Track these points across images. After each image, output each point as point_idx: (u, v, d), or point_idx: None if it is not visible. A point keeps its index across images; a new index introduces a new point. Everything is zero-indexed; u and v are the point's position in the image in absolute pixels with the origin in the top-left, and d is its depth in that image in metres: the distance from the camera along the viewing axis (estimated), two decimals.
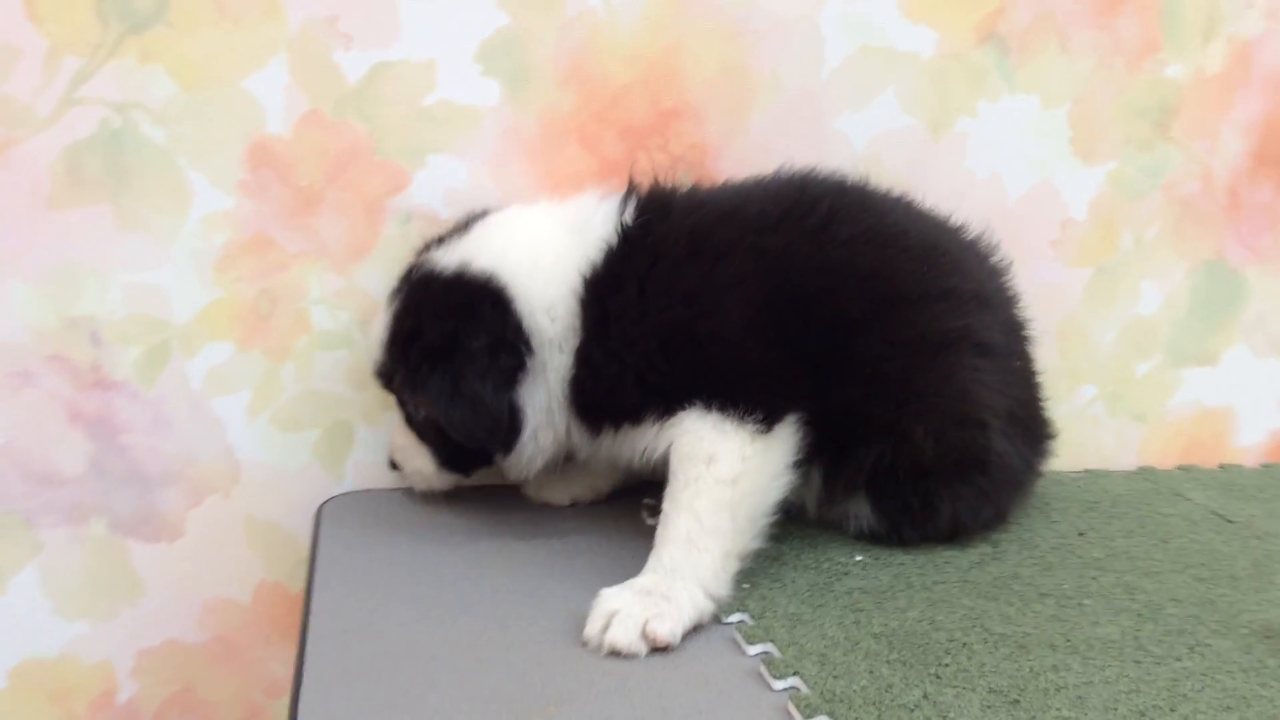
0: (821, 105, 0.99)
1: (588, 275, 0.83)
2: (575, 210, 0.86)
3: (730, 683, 0.69)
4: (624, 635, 0.72)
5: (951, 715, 0.65)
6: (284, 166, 0.93)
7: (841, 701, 0.66)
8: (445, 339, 0.82)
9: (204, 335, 0.94)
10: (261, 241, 0.94)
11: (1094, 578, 0.83)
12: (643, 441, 0.81)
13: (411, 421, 0.89)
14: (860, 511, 0.86)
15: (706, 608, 0.75)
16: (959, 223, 0.91)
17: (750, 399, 0.78)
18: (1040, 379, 0.93)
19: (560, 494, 0.95)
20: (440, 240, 0.88)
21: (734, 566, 0.78)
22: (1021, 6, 1.01)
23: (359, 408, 0.98)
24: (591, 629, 0.73)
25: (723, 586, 0.76)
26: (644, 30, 0.95)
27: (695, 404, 0.79)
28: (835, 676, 0.68)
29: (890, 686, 0.67)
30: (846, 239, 0.83)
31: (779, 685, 0.68)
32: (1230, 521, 0.96)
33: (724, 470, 0.77)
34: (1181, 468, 1.11)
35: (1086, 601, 0.79)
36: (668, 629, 0.73)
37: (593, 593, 0.75)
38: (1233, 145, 1.08)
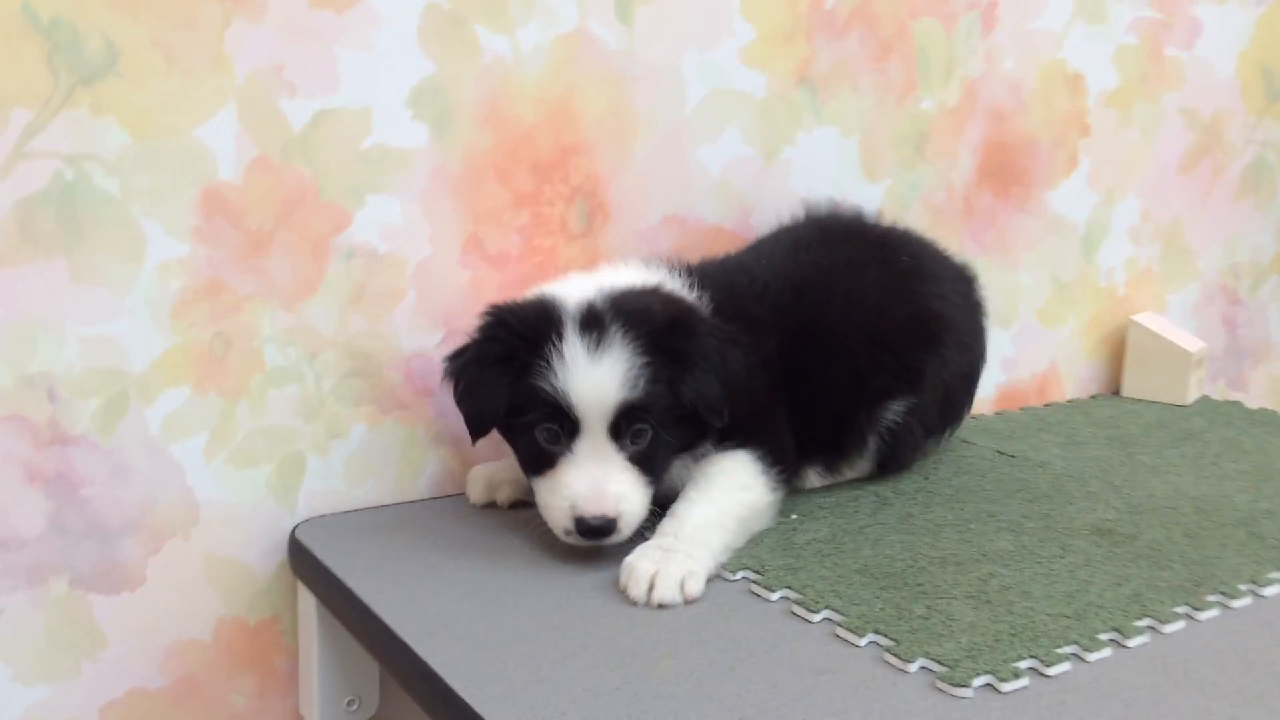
0: (684, 139, 1.16)
1: None
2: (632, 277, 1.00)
3: (773, 621, 0.84)
4: (668, 592, 0.86)
5: (956, 616, 0.84)
6: (235, 212, 0.96)
7: (875, 621, 0.83)
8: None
9: (161, 382, 0.95)
10: (215, 286, 0.96)
11: (960, 510, 1.06)
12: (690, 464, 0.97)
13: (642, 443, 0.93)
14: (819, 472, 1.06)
15: (714, 571, 0.90)
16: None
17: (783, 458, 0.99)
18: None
19: (505, 495, 1.05)
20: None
21: (725, 556, 0.93)
22: (824, 55, 1.23)
23: (309, 439, 1.02)
24: (638, 590, 0.86)
25: (720, 560, 0.92)
26: (546, 76, 1.07)
27: (745, 446, 0.98)
28: (854, 604, 0.86)
29: (899, 605, 0.86)
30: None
31: (816, 618, 0.85)
32: (1012, 457, 1.23)
33: (750, 498, 0.96)
34: None
35: (972, 526, 1.02)
36: (698, 587, 0.87)
37: (602, 561, 0.90)
38: (965, 162, 1.36)
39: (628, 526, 0.91)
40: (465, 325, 1.06)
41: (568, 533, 0.90)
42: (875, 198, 1.30)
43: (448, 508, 1.05)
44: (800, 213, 1.17)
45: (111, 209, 0.91)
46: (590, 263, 1.12)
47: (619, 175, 1.13)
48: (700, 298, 0.99)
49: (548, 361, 0.89)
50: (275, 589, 1.02)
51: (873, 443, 1.10)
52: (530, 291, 0.97)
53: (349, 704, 1.00)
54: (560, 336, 0.90)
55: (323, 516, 1.03)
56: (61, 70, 0.88)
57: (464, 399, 0.94)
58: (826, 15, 1.21)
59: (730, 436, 0.97)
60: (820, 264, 1.08)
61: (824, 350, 1.03)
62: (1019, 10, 1.34)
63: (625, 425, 0.90)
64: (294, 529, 0.99)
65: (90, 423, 0.93)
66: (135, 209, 0.92)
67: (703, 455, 0.97)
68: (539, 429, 0.91)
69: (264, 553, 1.01)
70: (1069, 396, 1.49)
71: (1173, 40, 1.47)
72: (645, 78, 1.12)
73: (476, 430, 0.94)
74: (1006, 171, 1.38)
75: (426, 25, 1.01)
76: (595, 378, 0.89)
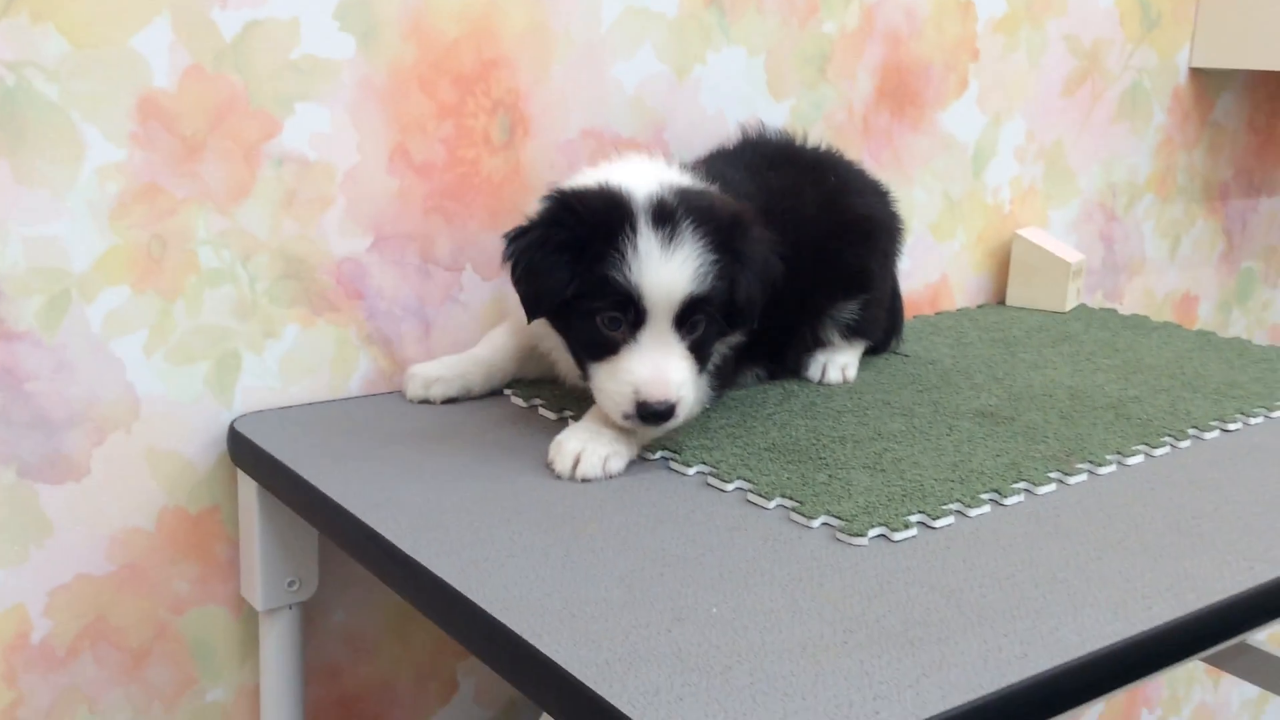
0: (601, 56, 1.21)
1: None
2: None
3: (691, 491, 0.92)
4: (591, 468, 0.93)
5: (854, 482, 0.92)
6: (170, 118, 1.00)
7: (785, 488, 0.91)
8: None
9: (101, 281, 0.99)
10: (152, 189, 1.00)
11: (858, 399, 1.15)
12: None
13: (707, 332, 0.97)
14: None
15: (635, 455, 0.98)
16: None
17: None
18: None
19: (439, 392, 1.10)
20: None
21: (646, 440, 0.99)
22: None
23: (244, 338, 1.07)
24: (564, 466, 0.93)
25: (641, 444, 0.99)
26: None
27: None
28: (765, 474, 0.94)
29: (803, 475, 0.94)
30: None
31: (729, 487, 0.93)
32: (906, 356, 1.32)
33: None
34: None
35: (869, 412, 1.11)
36: (619, 465, 0.95)
37: (532, 446, 0.97)
38: (864, 84, 1.44)
39: (684, 411, 0.94)
40: (394, 231, 1.12)
41: (627, 416, 0.93)
42: (781, 115, 1.37)
43: (381, 404, 1.11)
44: (736, 135, 1.24)
45: (51, 114, 0.94)
46: (513, 174, 1.17)
47: (539, 89, 1.18)
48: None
49: (620, 253, 0.91)
50: (214, 480, 1.07)
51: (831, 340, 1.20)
52: (586, 176, 1.00)
53: (290, 584, 1.06)
54: (634, 229, 0.92)
55: (259, 412, 1.07)
56: None
57: (524, 280, 0.95)
58: None
59: None
60: (769, 186, 1.14)
61: (788, 263, 1.05)
62: None
63: (687, 317, 0.94)
64: (233, 422, 1.04)
65: (34, 320, 0.96)
66: (74, 114, 0.95)
67: None
68: (602, 316, 0.93)
69: (203, 446, 1.06)
70: (959, 305, 1.59)
71: None
72: None
73: (533, 311, 0.96)
74: (902, 93, 1.47)
75: None
76: (669, 271, 0.92)
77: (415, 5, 1.09)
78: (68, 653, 1.03)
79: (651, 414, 0.92)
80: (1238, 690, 2.36)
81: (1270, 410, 1.15)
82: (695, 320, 0.95)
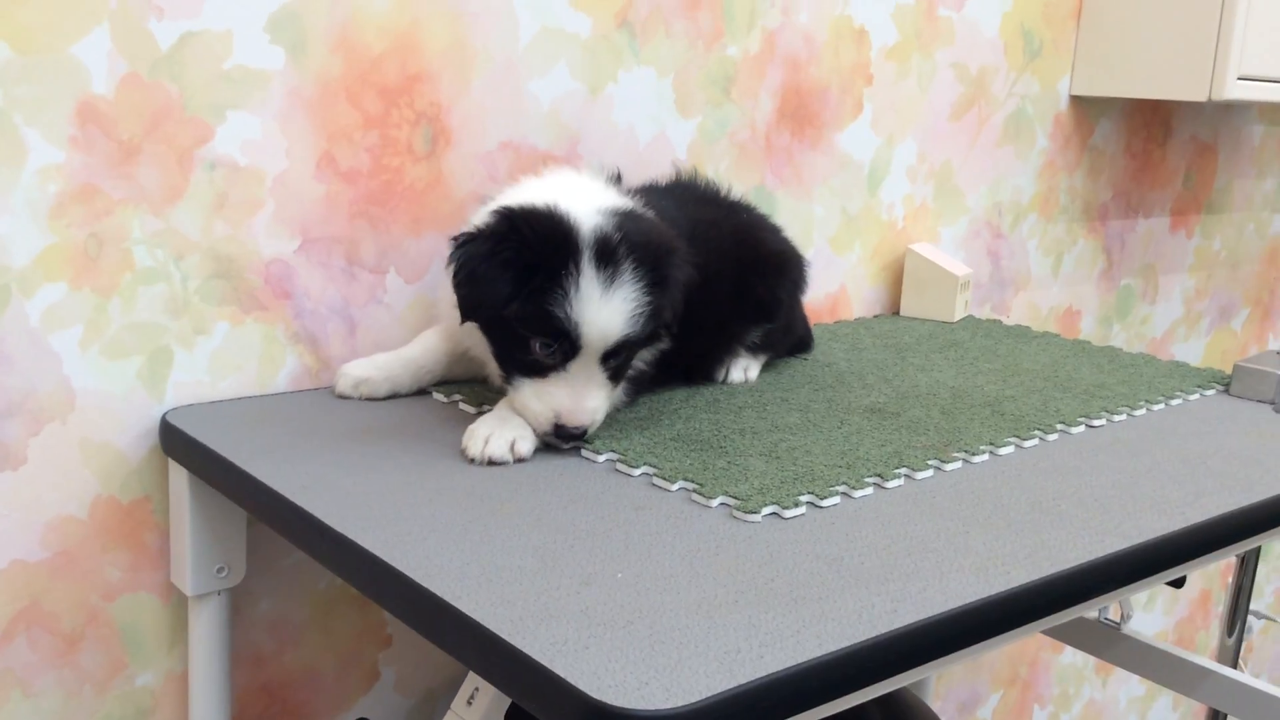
0: (519, 73, 1.29)
1: None
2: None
3: (600, 475, 0.99)
4: (499, 449, 1.00)
5: (751, 468, 1.01)
6: (108, 123, 1.05)
7: (687, 473, 0.99)
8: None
9: (40, 277, 1.04)
10: (89, 190, 1.05)
11: (758, 397, 1.23)
12: None
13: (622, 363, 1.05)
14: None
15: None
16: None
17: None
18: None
19: (366, 391, 1.16)
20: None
21: None
22: (641, 2, 1.37)
23: (176, 334, 1.12)
24: (475, 448, 1.00)
25: None
26: (393, 9, 1.19)
27: None
28: (669, 461, 1.02)
29: (704, 462, 1.02)
30: None
31: (636, 472, 1.00)
32: (805, 358, 1.41)
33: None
34: None
35: (768, 408, 1.19)
36: (527, 448, 1.02)
37: (451, 437, 1.04)
38: (765, 104, 1.53)
39: (593, 429, 1.04)
40: (321, 234, 1.18)
41: (545, 434, 1.02)
42: (688, 132, 1.45)
43: (307, 399, 1.16)
44: (670, 173, 1.37)
45: None
46: (435, 182, 1.24)
47: (459, 103, 1.25)
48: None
49: (564, 290, 0.98)
50: (145, 471, 1.12)
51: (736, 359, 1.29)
52: (526, 190, 1.06)
53: (219, 571, 1.11)
54: (578, 267, 0.98)
55: (190, 405, 1.13)
56: None
57: (464, 285, 1.00)
58: None
59: None
60: (693, 217, 1.22)
61: (704, 291, 1.13)
62: None
63: (614, 354, 1.02)
64: (165, 414, 1.09)
65: None
66: (17, 117, 1.00)
67: None
68: (537, 340, 1.00)
69: (135, 438, 1.11)
70: (856, 315, 1.69)
71: (945, 2, 1.67)
72: (482, 15, 1.25)
73: (468, 315, 1.02)
74: (801, 114, 1.56)
75: None
76: (606, 314, 0.99)
77: (343, 20, 1.16)
78: (2, 636, 1.07)
79: (567, 435, 1.02)
80: (1125, 688, 2.49)
81: (1133, 409, 1.26)
82: (620, 355, 1.03)
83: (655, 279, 1.03)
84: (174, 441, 1.07)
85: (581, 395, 1.02)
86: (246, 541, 1.13)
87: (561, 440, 1.03)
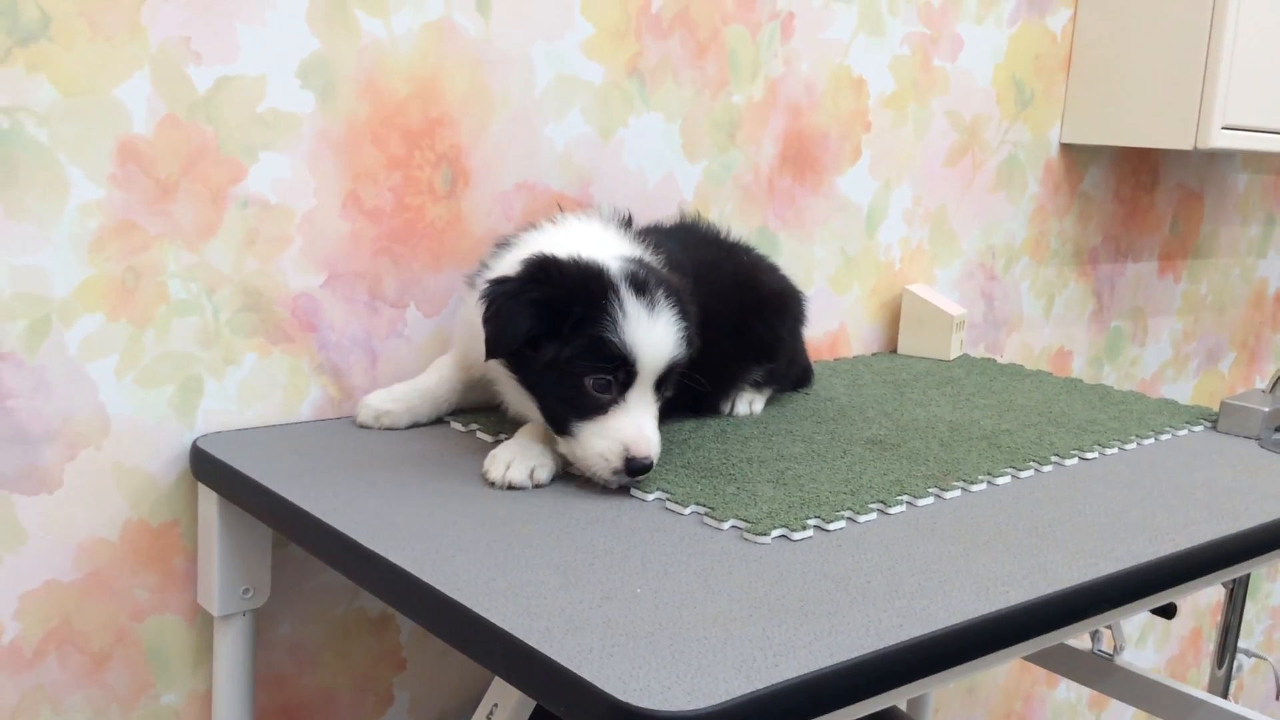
0: (534, 117, 1.35)
1: None
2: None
3: (615, 500, 1.04)
4: (519, 475, 1.05)
5: (759, 494, 1.05)
6: (146, 162, 1.10)
7: (699, 498, 1.04)
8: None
9: (79, 308, 1.08)
10: (128, 226, 1.10)
11: (764, 429, 1.28)
12: None
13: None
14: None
15: (559, 470, 1.09)
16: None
17: None
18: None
19: (388, 422, 1.21)
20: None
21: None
22: (651, 52, 1.43)
23: (207, 364, 1.16)
24: (496, 473, 1.05)
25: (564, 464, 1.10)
26: (416, 56, 1.24)
27: None
28: (681, 486, 1.06)
29: (715, 487, 1.07)
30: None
31: (650, 497, 1.05)
32: (807, 393, 1.46)
33: None
34: None
35: (774, 439, 1.24)
36: (546, 475, 1.06)
37: (471, 464, 1.08)
38: (768, 149, 1.59)
39: (656, 460, 1.04)
40: (345, 269, 1.23)
41: (615, 471, 1.02)
42: (695, 175, 1.51)
43: (330, 428, 1.21)
44: (676, 216, 1.42)
45: (40, 155, 1.04)
46: (454, 221, 1.29)
47: (478, 146, 1.31)
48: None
49: (611, 317, 1.01)
50: (175, 496, 1.16)
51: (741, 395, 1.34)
52: (540, 237, 1.12)
53: (244, 592, 1.15)
54: (618, 295, 1.02)
55: (218, 433, 1.17)
56: (0, 33, 1.01)
57: (491, 321, 1.03)
58: (653, 18, 1.42)
59: None
60: (697, 259, 1.27)
61: (708, 331, 1.16)
62: (812, 22, 1.58)
63: (664, 379, 1.05)
64: (195, 440, 1.14)
65: (16, 342, 1.05)
66: (61, 156, 1.05)
67: None
68: (592, 377, 1.01)
69: (166, 463, 1.15)
70: (855, 353, 1.74)
71: (939, 53, 1.74)
72: (500, 63, 1.31)
73: (493, 351, 1.04)
74: (803, 159, 1.62)
75: (314, 7, 1.17)
76: (657, 333, 1.03)
77: (369, 67, 1.21)
78: (34, 654, 1.11)
79: (638, 469, 1.03)
80: None
81: (1124, 443, 1.31)
82: (668, 381, 1.07)
83: (684, 310, 1.07)
84: (205, 466, 1.11)
85: (643, 424, 1.04)
86: (271, 562, 1.17)
87: (634, 475, 1.03)
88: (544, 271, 1.05)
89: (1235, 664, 2.73)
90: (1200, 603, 2.64)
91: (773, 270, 1.40)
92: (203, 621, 1.20)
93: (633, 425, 1.03)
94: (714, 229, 1.38)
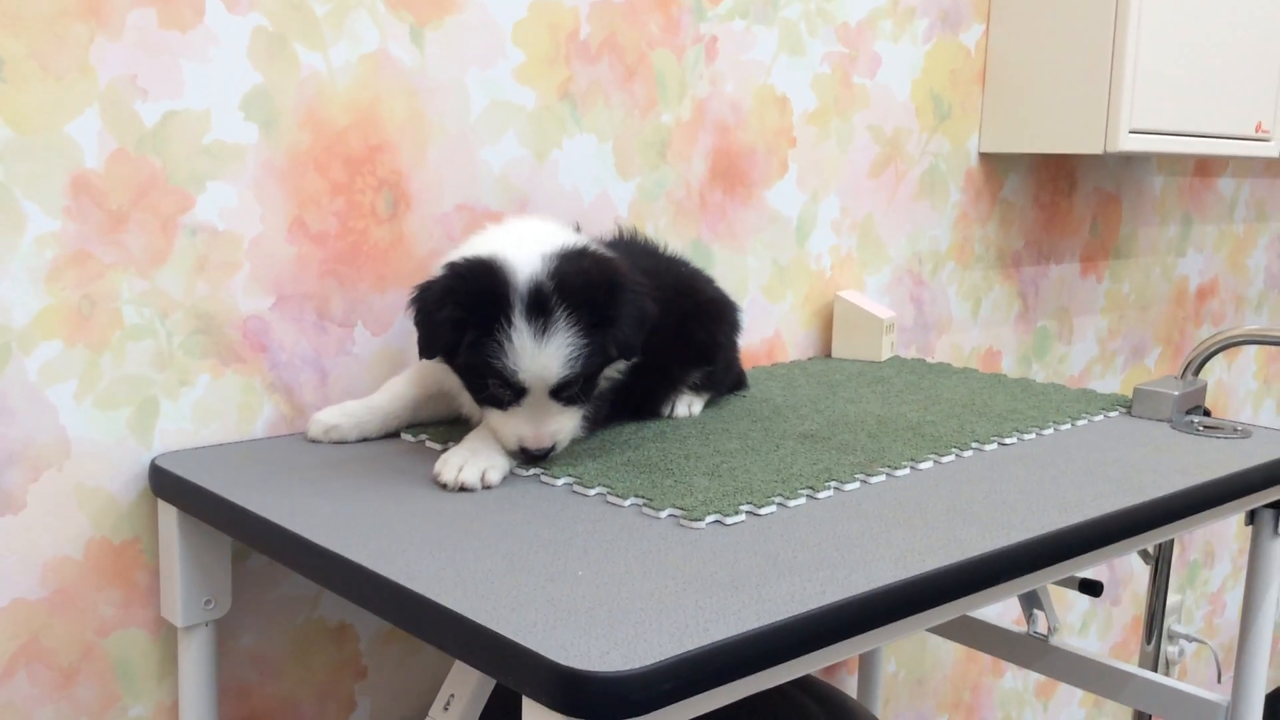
0: (471, 142, 1.41)
1: None
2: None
3: (559, 496, 1.10)
4: (471, 477, 1.10)
5: (695, 485, 1.11)
6: (99, 194, 1.15)
7: (638, 490, 1.10)
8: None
9: (38, 336, 1.13)
10: (82, 255, 1.15)
11: (701, 428, 1.34)
12: None
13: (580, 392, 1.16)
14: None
15: (509, 472, 1.15)
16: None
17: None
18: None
19: (337, 436, 1.26)
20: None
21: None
22: (581, 76, 1.50)
23: (162, 386, 1.21)
24: (449, 475, 1.10)
25: (514, 465, 1.17)
26: (355, 87, 1.30)
27: None
28: (621, 481, 1.12)
29: (653, 481, 1.13)
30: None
31: (591, 492, 1.11)
32: (744, 395, 1.53)
33: None
34: None
35: (710, 437, 1.30)
36: (496, 477, 1.12)
37: (421, 469, 1.14)
38: (699, 166, 1.66)
39: (561, 445, 1.17)
40: (293, 292, 1.29)
41: (513, 454, 1.15)
42: (628, 192, 1.58)
43: (284, 443, 1.26)
44: (612, 231, 1.49)
45: None
46: (396, 242, 1.35)
47: (418, 170, 1.37)
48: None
49: (499, 343, 1.10)
50: (135, 514, 1.21)
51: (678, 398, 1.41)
52: (484, 241, 1.17)
53: (206, 603, 1.19)
54: (510, 321, 1.09)
55: (175, 451, 1.22)
56: None
57: (418, 327, 1.13)
58: (582, 45, 1.49)
59: None
60: (643, 270, 1.30)
61: (651, 335, 1.22)
62: (735, 44, 1.66)
63: (562, 387, 1.13)
64: (154, 459, 1.18)
65: None
66: (17, 191, 1.10)
67: None
68: (490, 382, 1.12)
69: (126, 483, 1.20)
70: (791, 358, 1.81)
71: (859, 70, 1.83)
72: (436, 90, 1.37)
73: (424, 354, 1.13)
74: (732, 174, 1.69)
75: (255, 43, 1.23)
76: (541, 362, 1.11)
77: (310, 98, 1.27)
78: (4, 672, 1.15)
79: (531, 456, 1.15)
80: (1066, 711, 2.60)
81: (1042, 429, 1.39)
82: (570, 388, 1.14)
83: (592, 322, 1.13)
84: (164, 483, 1.16)
85: (539, 423, 1.14)
86: (230, 573, 1.22)
87: (530, 461, 1.16)
88: (452, 285, 1.12)
89: (1179, 649, 2.83)
90: (1139, 590, 2.72)
91: (709, 281, 1.47)
92: (167, 635, 1.24)
93: (529, 424, 1.14)
94: (652, 243, 1.44)
